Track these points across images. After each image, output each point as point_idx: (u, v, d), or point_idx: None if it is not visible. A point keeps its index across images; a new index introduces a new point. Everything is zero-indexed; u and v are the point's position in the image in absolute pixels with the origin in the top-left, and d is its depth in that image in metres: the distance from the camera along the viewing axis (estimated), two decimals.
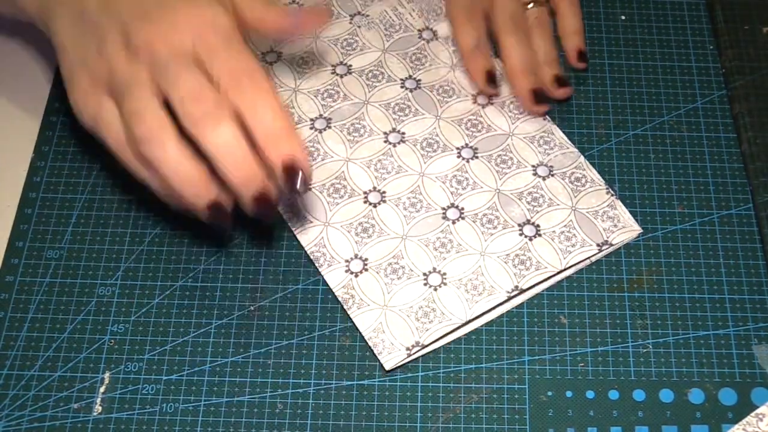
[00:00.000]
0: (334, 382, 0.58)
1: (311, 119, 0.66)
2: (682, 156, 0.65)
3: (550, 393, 0.57)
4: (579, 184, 0.63)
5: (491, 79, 0.66)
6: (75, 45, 0.56)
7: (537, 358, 0.58)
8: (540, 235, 0.61)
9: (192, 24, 0.54)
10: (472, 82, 0.67)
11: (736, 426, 0.56)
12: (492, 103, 0.66)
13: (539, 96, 0.65)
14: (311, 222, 0.62)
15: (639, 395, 0.57)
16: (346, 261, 0.61)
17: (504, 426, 0.56)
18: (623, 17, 0.71)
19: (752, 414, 0.56)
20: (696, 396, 0.57)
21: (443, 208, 0.62)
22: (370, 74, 0.68)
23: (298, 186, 0.54)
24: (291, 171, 0.54)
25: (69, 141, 0.66)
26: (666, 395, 0.57)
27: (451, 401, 0.57)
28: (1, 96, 0.68)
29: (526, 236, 0.61)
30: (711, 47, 0.70)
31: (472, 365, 0.58)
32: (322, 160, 0.64)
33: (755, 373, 0.58)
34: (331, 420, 0.57)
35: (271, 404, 0.57)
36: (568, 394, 0.57)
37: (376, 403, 0.57)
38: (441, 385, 0.58)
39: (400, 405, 0.57)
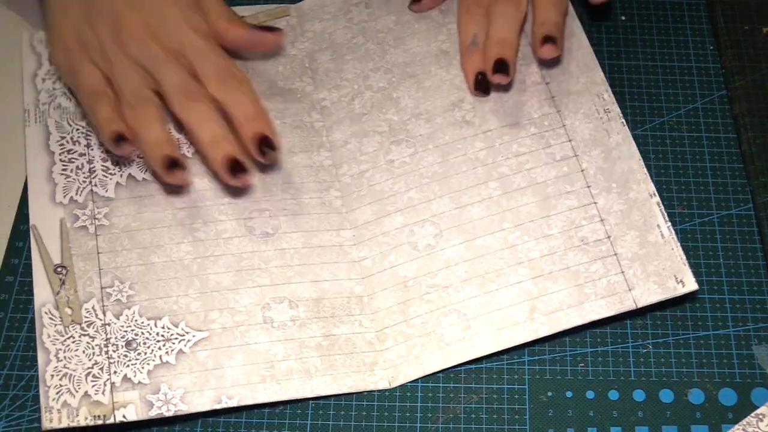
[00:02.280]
0: None
1: None
2: (682, 156, 0.65)
3: (550, 393, 0.57)
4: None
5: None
6: (65, 4, 0.62)
7: (537, 358, 0.58)
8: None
9: (181, 26, 0.61)
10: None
11: (736, 426, 0.56)
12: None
13: (481, 81, 0.65)
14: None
15: (639, 395, 0.57)
16: None
17: (504, 426, 0.56)
18: (623, 17, 0.71)
19: (752, 414, 0.56)
20: (696, 396, 0.57)
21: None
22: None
23: (266, 157, 0.60)
24: (263, 143, 0.60)
25: None
26: (666, 395, 0.57)
27: (451, 401, 0.57)
28: (1, 97, 0.68)
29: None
30: (711, 47, 0.70)
31: (472, 365, 0.58)
32: None
33: (755, 374, 0.58)
34: (331, 420, 0.57)
35: (271, 404, 0.57)
36: (568, 394, 0.57)
37: (376, 403, 0.57)
38: (441, 385, 0.58)
39: (400, 405, 0.57)
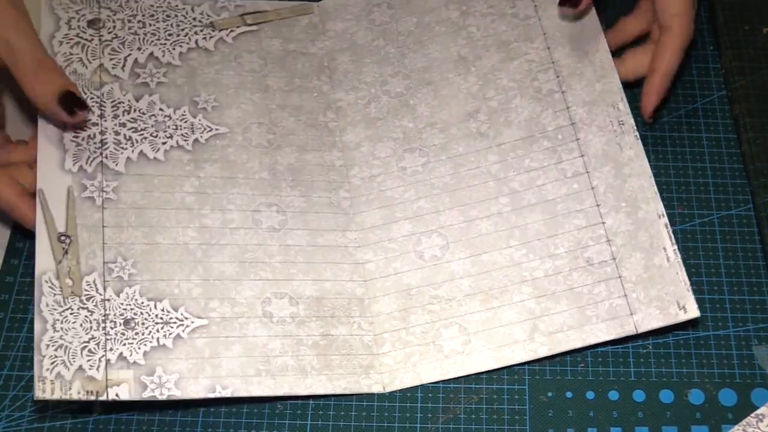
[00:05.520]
0: None
1: None
2: (682, 156, 0.65)
3: (550, 393, 0.57)
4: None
5: None
6: None
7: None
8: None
9: None
10: None
11: (736, 427, 0.56)
12: None
13: None
14: None
15: (639, 396, 0.57)
16: None
17: (504, 426, 0.56)
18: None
19: (752, 415, 0.56)
20: (696, 396, 0.57)
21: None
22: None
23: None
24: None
25: None
26: (666, 396, 0.57)
27: (451, 401, 0.57)
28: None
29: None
30: (711, 47, 0.70)
31: None
32: None
33: (755, 374, 0.58)
34: (331, 420, 0.57)
35: (271, 404, 0.57)
36: (568, 394, 0.57)
37: (376, 403, 0.57)
38: (441, 385, 0.58)
39: (400, 405, 0.57)
